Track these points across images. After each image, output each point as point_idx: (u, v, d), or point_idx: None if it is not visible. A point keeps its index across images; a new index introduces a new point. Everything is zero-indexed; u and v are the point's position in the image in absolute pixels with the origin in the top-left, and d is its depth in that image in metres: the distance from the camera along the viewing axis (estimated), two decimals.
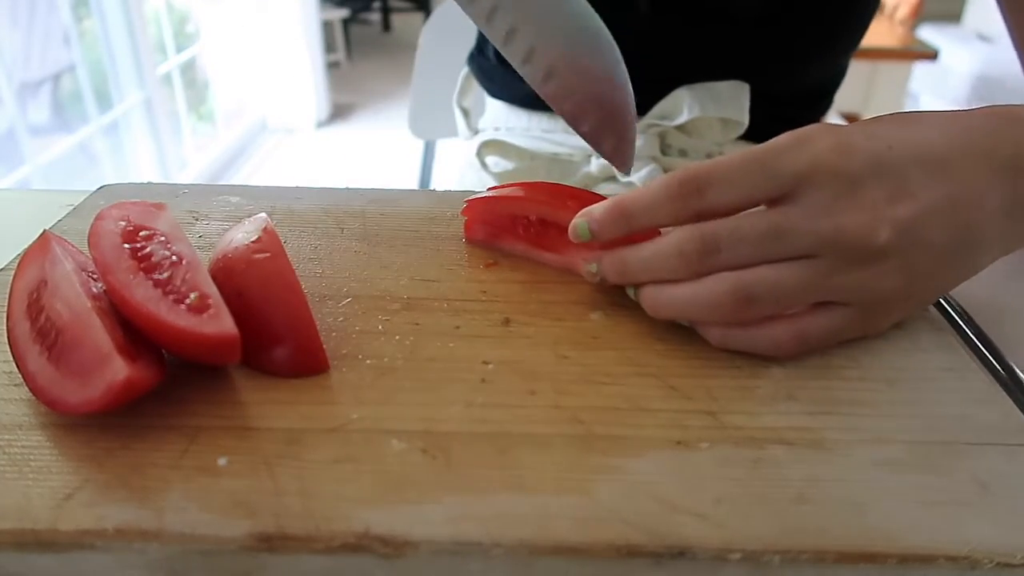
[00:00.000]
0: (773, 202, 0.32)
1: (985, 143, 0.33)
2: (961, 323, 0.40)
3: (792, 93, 0.70)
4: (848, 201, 0.31)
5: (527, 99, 0.74)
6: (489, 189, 0.44)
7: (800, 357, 0.34)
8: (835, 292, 0.33)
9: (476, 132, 0.83)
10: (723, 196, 0.32)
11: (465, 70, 0.83)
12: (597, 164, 0.70)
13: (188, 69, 2.82)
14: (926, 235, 0.32)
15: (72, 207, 0.47)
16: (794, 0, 0.63)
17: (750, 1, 0.63)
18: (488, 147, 0.76)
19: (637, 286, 0.36)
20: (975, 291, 0.42)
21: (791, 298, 0.33)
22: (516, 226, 0.42)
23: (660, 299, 0.35)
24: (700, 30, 0.65)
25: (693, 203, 0.33)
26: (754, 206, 0.33)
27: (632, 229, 0.35)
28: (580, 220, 0.36)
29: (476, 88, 0.83)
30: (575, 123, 0.41)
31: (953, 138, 0.33)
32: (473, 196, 0.43)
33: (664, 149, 0.68)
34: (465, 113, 0.83)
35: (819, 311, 0.34)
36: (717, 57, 0.66)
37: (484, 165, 0.77)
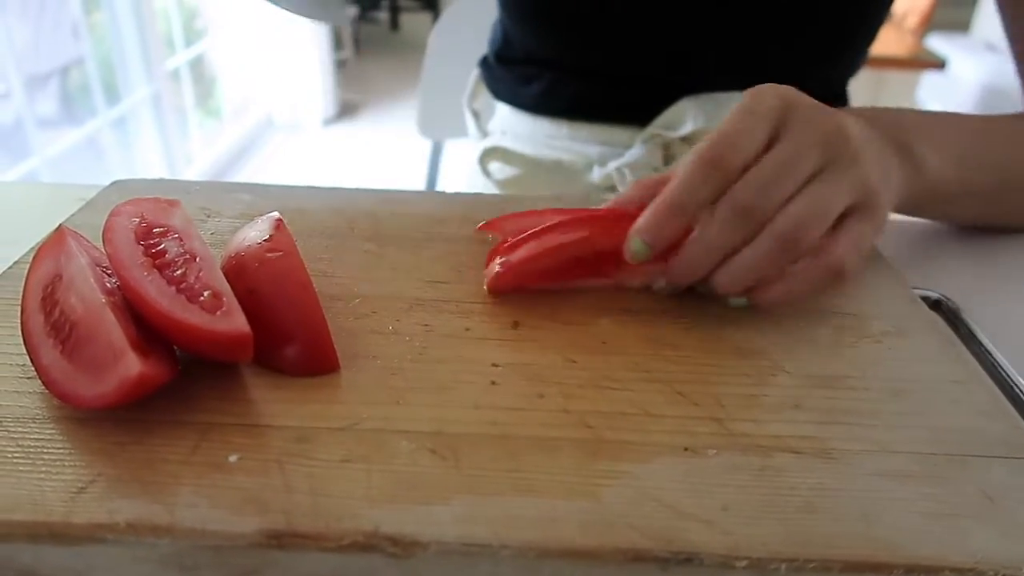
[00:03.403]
0: (771, 140, 0.36)
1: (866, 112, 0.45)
2: (968, 335, 0.40)
3: None
4: (821, 115, 0.37)
5: (530, 104, 0.75)
6: (508, 243, 0.40)
7: (807, 366, 0.35)
8: (850, 192, 0.36)
9: (487, 134, 0.83)
10: (740, 155, 0.36)
11: (475, 72, 0.83)
12: (599, 173, 0.71)
13: (196, 64, 2.82)
14: (869, 143, 0.39)
15: (84, 201, 0.47)
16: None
17: None
18: (491, 154, 0.76)
19: (705, 281, 0.37)
20: (982, 303, 0.42)
21: (828, 209, 0.36)
22: (562, 267, 0.39)
23: (733, 272, 0.36)
24: (693, 28, 0.65)
25: (724, 170, 0.35)
26: (764, 146, 0.36)
27: (687, 219, 0.36)
28: (634, 240, 0.37)
29: (486, 90, 0.83)
30: None
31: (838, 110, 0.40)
32: (503, 255, 0.39)
33: (667, 160, 0.69)
34: (475, 115, 0.83)
35: (841, 231, 0.37)
36: (712, 59, 0.66)
37: (487, 172, 0.78)
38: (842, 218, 0.37)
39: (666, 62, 0.67)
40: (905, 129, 0.45)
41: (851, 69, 0.73)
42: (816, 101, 0.38)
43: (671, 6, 0.64)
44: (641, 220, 0.36)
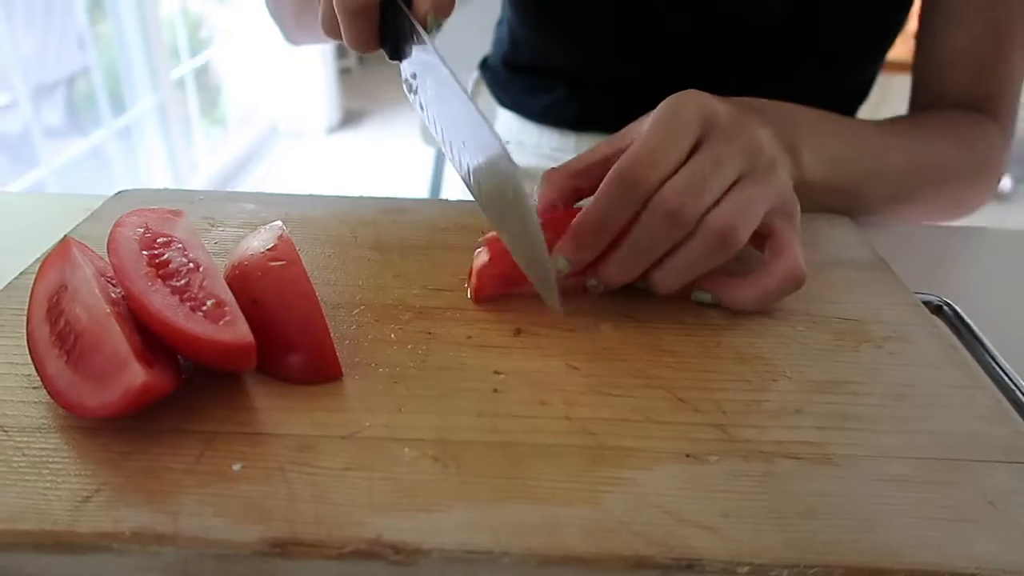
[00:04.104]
0: (691, 151, 0.37)
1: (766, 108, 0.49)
2: (970, 340, 0.40)
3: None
4: (737, 127, 0.38)
5: (537, 115, 0.75)
6: (481, 252, 0.40)
7: (808, 372, 0.35)
8: (771, 199, 0.38)
9: None
10: (662, 170, 0.36)
11: (475, 76, 0.83)
12: None
13: (201, 74, 2.84)
14: (774, 147, 0.40)
15: (90, 212, 0.47)
16: (815, 8, 0.63)
17: (770, 4, 0.63)
18: None
19: (642, 277, 0.38)
20: (985, 308, 0.42)
21: (755, 210, 0.37)
22: None
23: (670, 272, 0.38)
24: (715, 39, 0.65)
25: (644, 189, 0.36)
26: (684, 160, 0.37)
27: (610, 236, 0.37)
28: (559, 258, 0.37)
29: (484, 95, 0.83)
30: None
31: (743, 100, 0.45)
32: (482, 260, 0.39)
33: None
34: None
35: (776, 232, 0.39)
36: (732, 71, 0.66)
37: None
38: (767, 223, 0.39)
39: (681, 74, 0.67)
40: (795, 128, 0.49)
41: (872, 73, 0.73)
42: (732, 109, 0.39)
43: (688, 19, 0.64)
44: (565, 239, 0.37)
